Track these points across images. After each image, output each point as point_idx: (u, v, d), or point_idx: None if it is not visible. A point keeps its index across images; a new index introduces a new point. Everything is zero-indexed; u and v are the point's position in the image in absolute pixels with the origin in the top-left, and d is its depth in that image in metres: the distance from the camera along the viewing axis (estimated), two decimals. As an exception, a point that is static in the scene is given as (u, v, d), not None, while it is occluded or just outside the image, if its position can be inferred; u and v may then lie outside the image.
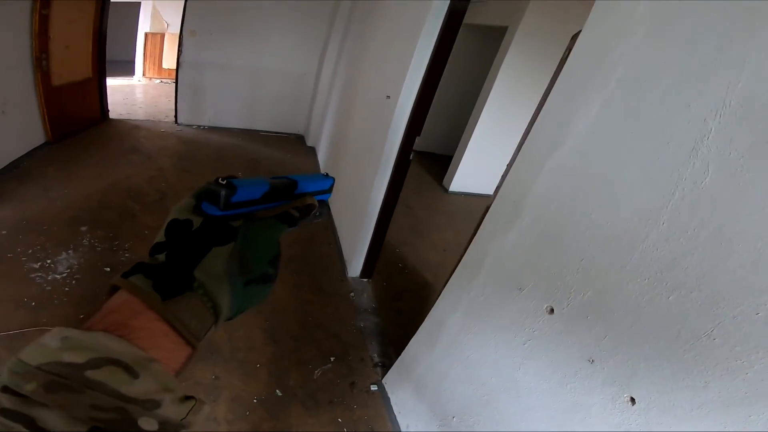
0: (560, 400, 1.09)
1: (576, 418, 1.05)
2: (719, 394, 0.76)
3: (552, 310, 1.09)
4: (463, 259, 1.51)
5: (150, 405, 0.24)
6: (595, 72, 1.02)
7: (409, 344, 1.90)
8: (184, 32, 4.76)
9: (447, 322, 1.60)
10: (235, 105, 5.33)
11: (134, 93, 6.66)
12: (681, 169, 0.81)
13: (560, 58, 1.90)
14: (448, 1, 2.07)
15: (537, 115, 1.16)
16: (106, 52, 4.65)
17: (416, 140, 2.36)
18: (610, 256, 0.94)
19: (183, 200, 0.34)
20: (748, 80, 0.73)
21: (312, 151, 5.33)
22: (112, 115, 5.05)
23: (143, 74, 7.62)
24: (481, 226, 1.42)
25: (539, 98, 1.99)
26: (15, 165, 3.45)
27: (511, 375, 1.25)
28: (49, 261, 2.44)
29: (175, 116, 5.21)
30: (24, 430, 0.20)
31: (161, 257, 0.31)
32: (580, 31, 1.09)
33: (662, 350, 0.84)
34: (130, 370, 0.24)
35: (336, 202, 3.73)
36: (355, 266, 2.93)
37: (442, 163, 5.52)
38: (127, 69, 7.56)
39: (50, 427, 0.21)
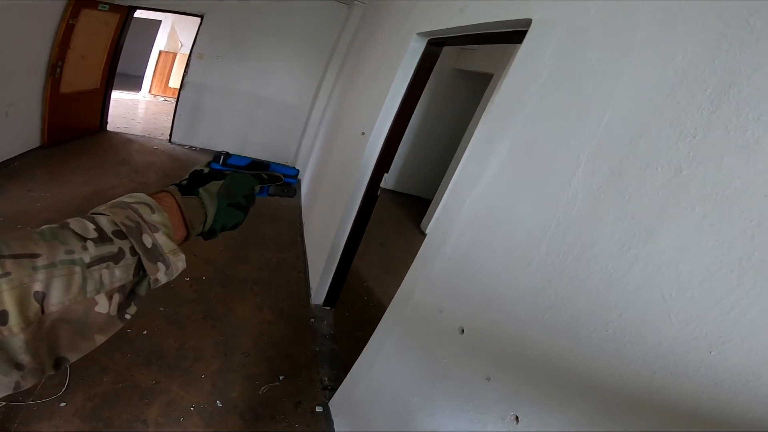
0: (463, 417, 1.15)
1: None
2: (584, 418, 0.81)
3: (462, 330, 1.18)
4: (402, 284, 1.61)
5: (153, 229, 0.44)
6: (509, 113, 1.19)
7: (353, 367, 1.94)
8: (193, 53, 5.02)
9: (384, 343, 1.66)
10: (230, 129, 5.52)
11: (136, 108, 6.92)
12: (559, 198, 0.94)
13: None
14: (424, 45, 2.27)
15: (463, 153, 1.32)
16: (118, 66, 4.83)
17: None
18: (507, 278, 1.06)
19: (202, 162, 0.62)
20: (611, 117, 0.87)
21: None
22: (110, 127, 5.24)
23: (149, 91, 7.91)
24: (418, 255, 1.53)
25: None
26: (6, 164, 3.56)
27: (428, 393, 1.31)
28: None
29: (170, 134, 5.41)
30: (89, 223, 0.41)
31: (185, 182, 0.57)
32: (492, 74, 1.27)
33: (542, 368, 0.93)
34: (152, 209, 0.46)
35: (309, 233, 3.83)
36: (319, 294, 2.99)
37: (424, 206, 5.64)
38: (136, 84, 7.86)
39: (100, 224, 0.41)
